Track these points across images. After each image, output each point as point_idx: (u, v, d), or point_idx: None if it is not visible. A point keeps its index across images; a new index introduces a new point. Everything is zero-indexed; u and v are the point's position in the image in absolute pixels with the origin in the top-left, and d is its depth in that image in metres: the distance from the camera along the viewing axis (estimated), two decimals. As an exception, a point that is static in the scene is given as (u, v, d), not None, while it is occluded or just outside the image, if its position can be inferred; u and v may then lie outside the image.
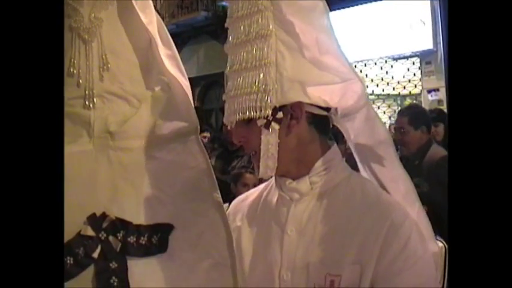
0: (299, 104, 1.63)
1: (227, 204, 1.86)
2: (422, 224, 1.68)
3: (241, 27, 1.65)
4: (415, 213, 1.69)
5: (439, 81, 10.15)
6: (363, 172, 1.80)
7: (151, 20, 1.66)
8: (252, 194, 1.88)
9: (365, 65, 11.43)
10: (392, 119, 11.45)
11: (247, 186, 4.68)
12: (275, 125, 1.61)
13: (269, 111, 1.59)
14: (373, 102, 11.51)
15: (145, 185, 1.60)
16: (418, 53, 10.88)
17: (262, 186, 1.87)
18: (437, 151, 4.40)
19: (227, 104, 1.68)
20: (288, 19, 1.64)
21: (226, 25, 1.72)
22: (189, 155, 1.68)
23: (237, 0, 1.67)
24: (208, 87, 15.15)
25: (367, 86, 11.29)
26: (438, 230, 1.78)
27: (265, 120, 1.60)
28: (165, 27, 1.71)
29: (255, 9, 1.64)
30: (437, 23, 10.01)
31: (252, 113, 1.59)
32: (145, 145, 1.61)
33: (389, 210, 1.61)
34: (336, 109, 1.69)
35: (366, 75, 11.43)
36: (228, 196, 4.60)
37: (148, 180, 1.61)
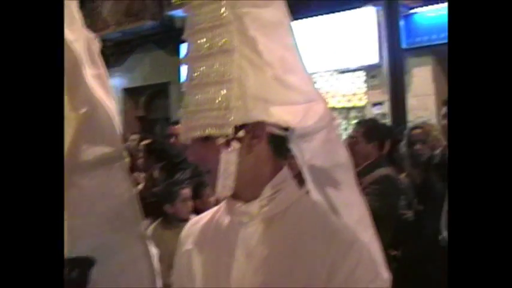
0: (261, 123, 1.59)
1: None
2: (374, 250, 1.67)
3: (203, 40, 1.60)
4: (367, 239, 1.68)
5: (384, 95, 10.30)
6: (314, 193, 1.77)
7: (77, 38, 1.58)
8: (205, 216, 1.82)
9: (311, 78, 11.47)
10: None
11: (186, 201, 4.63)
12: (236, 144, 1.57)
13: (231, 130, 1.55)
14: (319, 115, 11.58)
15: (65, 214, 1.50)
16: (363, 67, 11.00)
17: (215, 208, 1.81)
18: (382, 171, 4.41)
19: (184, 119, 1.61)
20: (252, 35, 1.60)
21: (184, 37, 1.66)
22: (113, 183, 1.60)
23: (198, 11, 1.63)
24: (154, 97, 15.02)
25: (319, 89, 11.39)
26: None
27: (225, 139, 1.56)
28: (95, 44, 1.64)
29: (218, 22, 1.59)
30: (382, 38, 10.17)
31: (212, 131, 1.55)
32: (65, 171, 1.50)
33: (337, 233, 1.58)
34: (293, 129, 1.66)
35: (312, 88, 11.46)
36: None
37: (67, 209, 1.51)
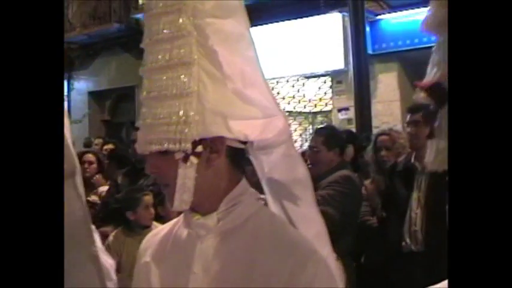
0: (221, 138, 1.57)
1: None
2: (331, 264, 1.66)
3: (162, 51, 1.57)
4: (325, 255, 1.66)
5: (349, 100, 10.36)
6: (272, 206, 1.76)
7: None
8: (164, 228, 1.79)
9: (277, 83, 11.53)
10: (303, 136, 11.61)
11: (148, 208, 4.59)
12: (194, 159, 1.54)
13: (189, 145, 1.52)
14: (285, 120, 11.60)
15: None
16: (329, 72, 11.06)
17: (174, 220, 1.79)
18: (342, 173, 4.44)
19: (142, 131, 1.58)
20: (212, 48, 1.58)
21: (143, 45, 1.63)
22: (64, 201, 1.58)
23: (158, 21, 1.60)
24: (119, 100, 14.90)
25: (279, 104, 11.44)
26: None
27: (183, 154, 1.53)
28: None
29: (178, 34, 1.56)
30: (348, 43, 10.23)
31: (171, 145, 1.52)
32: None
33: (295, 246, 1.57)
34: (252, 142, 1.65)
35: (278, 93, 11.54)
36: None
37: None
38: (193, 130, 1.52)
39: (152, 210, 4.54)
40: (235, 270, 1.57)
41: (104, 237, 4.79)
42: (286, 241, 1.58)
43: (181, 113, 1.52)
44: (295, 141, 11.42)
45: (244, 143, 1.64)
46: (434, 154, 1.25)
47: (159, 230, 1.81)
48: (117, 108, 15.08)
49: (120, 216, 4.63)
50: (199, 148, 1.54)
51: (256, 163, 1.72)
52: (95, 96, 14.89)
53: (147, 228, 4.29)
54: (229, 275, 1.57)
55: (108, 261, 2.11)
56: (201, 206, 1.61)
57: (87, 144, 10.59)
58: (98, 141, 9.62)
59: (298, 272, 1.52)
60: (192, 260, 1.61)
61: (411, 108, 4.33)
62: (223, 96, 1.57)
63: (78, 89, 14.75)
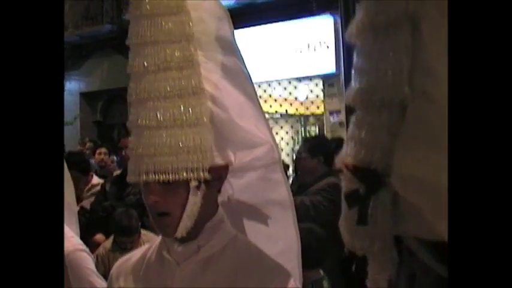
0: (226, 166, 1.63)
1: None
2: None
3: (168, 80, 1.57)
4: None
5: (341, 104, 10.34)
6: (229, 225, 1.77)
7: None
8: (135, 254, 1.80)
9: (269, 85, 11.52)
10: (295, 138, 11.61)
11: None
12: (204, 187, 1.57)
13: (206, 173, 1.55)
14: (277, 122, 11.64)
15: None
16: (321, 75, 11.06)
17: (146, 246, 1.80)
18: (330, 180, 4.45)
19: (139, 161, 1.57)
20: (214, 79, 1.61)
21: (134, 73, 1.62)
22: None
23: (161, 48, 1.59)
24: (111, 102, 14.85)
25: (271, 106, 11.46)
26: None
27: (197, 182, 1.55)
28: None
29: (187, 64, 1.58)
30: (340, 47, 10.23)
31: (189, 174, 1.54)
32: None
33: (272, 273, 1.60)
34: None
35: (270, 96, 11.53)
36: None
37: None
38: (208, 158, 1.56)
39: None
40: None
41: (97, 245, 4.79)
42: (266, 267, 1.61)
43: (197, 142, 1.55)
44: (287, 144, 11.44)
45: None
46: (370, 242, 1.21)
47: (130, 256, 1.81)
48: (109, 109, 15.03)
49: (107, 225, 4.61)
50: (209, 176, 1.56)
51: (225, 185, 1.74)
52: (87, 97, 14.83)
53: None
54: None
55: (101, 284, 2.12)
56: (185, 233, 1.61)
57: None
58: (89, 145, 9.60)
59: None
60: (172, 286, 1.61)
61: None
62: (223, 126, 1.61)
63: (69, 90, 14.69)
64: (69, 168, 5.49)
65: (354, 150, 1.22)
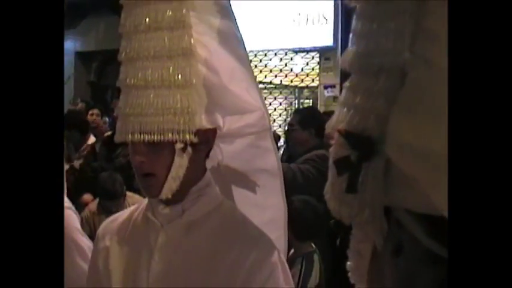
0: (214, 130, 1.63)
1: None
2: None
3: (159, 40, 1.57)
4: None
5: (337, 78, 10.32)
6: (219, 192, 1.78)
7: None
8: (122, 215, 1.82)
9: (265, 55, 11.46)
10: (288, 110, 11.59)
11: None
12: (190, 149, 1.57)
13: (192, 136, 1.54)
14: (271, 93, 11.61)
15: None
16: (318, 48, 11.00)
17: (133, 207, 1.81)
18: (319, 152, 4.46)
19: (126, 120, 1.57)
20: (206, 41, 1.59)
21: (125, 32, 1.61)
22: None
23: (153, 7, 1.58)
24: (106, 63, 14.73)
25: (266, 76, 11.42)
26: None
27: (183, 144, 1.54)
28: None
29: (179, 25, 1.56)
30: (339, 21, 10.18)
31: (175, 136, 1.54)
32: None
33: (255, 242, 1.61)
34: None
35: (265, 65, 11.49)
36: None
37: None
38: (195, 121, 1.54)
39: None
40: (197, 261, 1.59)
41: (85, 205, 4.80)
42: (248, 235, 1.62)
43: (184, 104, 1.54)
44: (280, 115, 11.42)
45: None
46: (358, 209, 1.19)
47: (117, 216, 1.82)
48: (103, 70, 14.93)
49: (95, 185, 4.62)
50: (196, 139, 1.55)
51: (214, 151, 1.75)
52: (82, 57, 14.70)
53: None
54: (191, 265, 1.60)
55: (85, 242, 2.13)
56: (171, 195, 1.62)
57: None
58: (81, 105, 9.55)
59: (256, 268, 1.56)
60: (154, 249, 1.63)
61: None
62: (214, 89, 1.60)
63: (65, 49, 14.57)
64: (69, 128, 5.50)
65: (347, 116, 1.20)
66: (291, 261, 3.75)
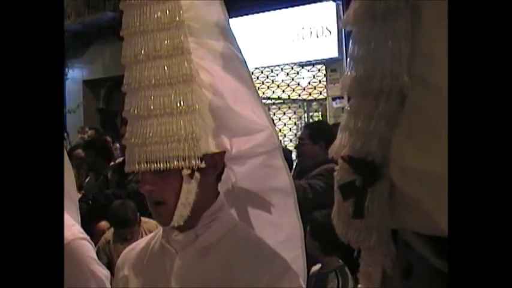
0: (220, 153, 1.61)
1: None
2: (296, 270, 1.68)
3: (159, 68, 1.56)
4: (290, 260, 1.68)
5: (344, 89, 10.29)
6: (233, 213, 1.77)
7: None
8: (141, 243, 1.81)
9: (272, 71, 11.50)
10: (298, 124, 11.59)
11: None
12: (198, 175, 1.56)
13: (198, 161, 1.53)
14: (279, 108, 11.62)
15: None
16: (323, 61, 11.03)
17: (151, 235, 1.80)
18: (328, 166, 4.47)
19: (132, 150, 1.56)
20: (206, 65, 1.59)
21: (128, 64, 1.61)
22: None
23: (152, 36, 1.58)
24: (114, 89, 14.84)
25: (273, 92, 11.44)
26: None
27: (190, 170, 1.54)
28: None
29: (177, 51, 1.56)
30: (342, 32, 10.19)
31: (180, 163, 1.53)
32: None
33: (270, 263, 1.59)
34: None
35: (273, 81, 11.52)
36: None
37: None
38: (201, 146, 1.54)
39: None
40: (212, 285, 1.58)
41: (101, 233, 4.79)
42: (262, 258, 1.60)
43: (188, 130, 1.53)
44: (290, 130, 11.42)
45: None
46: (366, 234, 1.18)
47: (135, 245, 1.82)
48: (112, 96, 15.03)
49: (108, 213, 4.62)
50: (203, 164, 1.55)
51: (227, 173, 1.74)
52: (90, 85, 14.83)
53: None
54: None
55: (102, 272, 2.13)
56: (184, 222, 1.61)
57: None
58: (91, 132, 9.60)
59: None
60: (170, 275, 1.62)
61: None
62: (217, 112, 1.60)
63: (72, 78, 14.68)
64: (96, 154, 5.53)
65: (350, 141, 1.19)
66: (323, 277, 3.77)
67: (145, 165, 1.54)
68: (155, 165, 1.52)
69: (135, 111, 1.57)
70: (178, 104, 1.54)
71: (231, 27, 1.72)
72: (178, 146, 1.53)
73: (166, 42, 1.56)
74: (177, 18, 1.57)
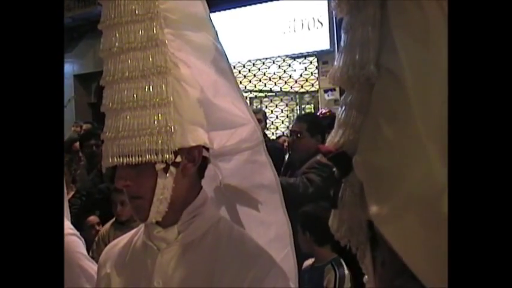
0: (198, 147, 1.57)
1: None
2: (288, 268, 1.70)
3: (132, 61, 1.53)
4: (280, 258, 1.69)
5: (336, 81, 10.28)
6: (223, 211, 1.76)
7: None
8: (123, 239, 1.77)
9: (263, 63, 11.49)
10: (290, 116, 11.59)
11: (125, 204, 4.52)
12: (173, 169, 1.53)
13: (171, 155, 1.51)
14: (271, 101, 11.61)
15: None
16: (315, 53, 11.01)
17: (133, 231, 1.77)
18: (318, 158, 4.48)
19: (108, 145, 1.54)
20: (183, 57, 1.57)
21: (105, 57, 1.59)
22: None
23: (127, 29, 1.56)
24: (106, 83, 14.82)
25: (265, 84, 11.43)
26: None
27: (164, 164, 1.52)
28: None
29: (151, 43, 1.54)
30: (334, 24, 10.17)
31: (152, 157, 1.49)
32: None
33: (254, 259, 1.57)
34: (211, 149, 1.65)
35: (264, 74, 11.51)
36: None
37: None
38: (175, 140, 1.51)
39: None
40: (195, 282, 1.56)
41: (91, 226, 4.78)
42: (246, 253, 1.58)
43: (161, 123, 1.50)
44: (282, 122, 11.42)
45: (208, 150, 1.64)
46: (338, 225, 1.19)
47: (118, 241, 1.79)
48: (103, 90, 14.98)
49: (103, 206, 4.60)
50: (178, 158, 1.53)
51: (215, 169, 1.73)
52: (81, 79, 14.75)
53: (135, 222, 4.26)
54: (190, 287, 1.57)
55: (91, 267, 2.12)
56: (164, 218, 1.59)
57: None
58: (86, 126, 9.54)
59: (258, 285, 1.52)
60: (153, 272, 1.59)
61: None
62: (195, 105, 1.57)
63: (64, 73, 14.63)
64: (94, 146, 5.47)
65: (333, 132, 1.21)
66: (318, 271, 3.78)
67: (118, 159, 1.51)
68: (127, 159, 1.50)
69: (110, 105, 1.55)
70: (151, 97, 1.51)
71: (211, 18, 1.69)
72: (150, 139, 1.50)
73: (140, 33, 1.53)
74: (152, 10, 1.54)
